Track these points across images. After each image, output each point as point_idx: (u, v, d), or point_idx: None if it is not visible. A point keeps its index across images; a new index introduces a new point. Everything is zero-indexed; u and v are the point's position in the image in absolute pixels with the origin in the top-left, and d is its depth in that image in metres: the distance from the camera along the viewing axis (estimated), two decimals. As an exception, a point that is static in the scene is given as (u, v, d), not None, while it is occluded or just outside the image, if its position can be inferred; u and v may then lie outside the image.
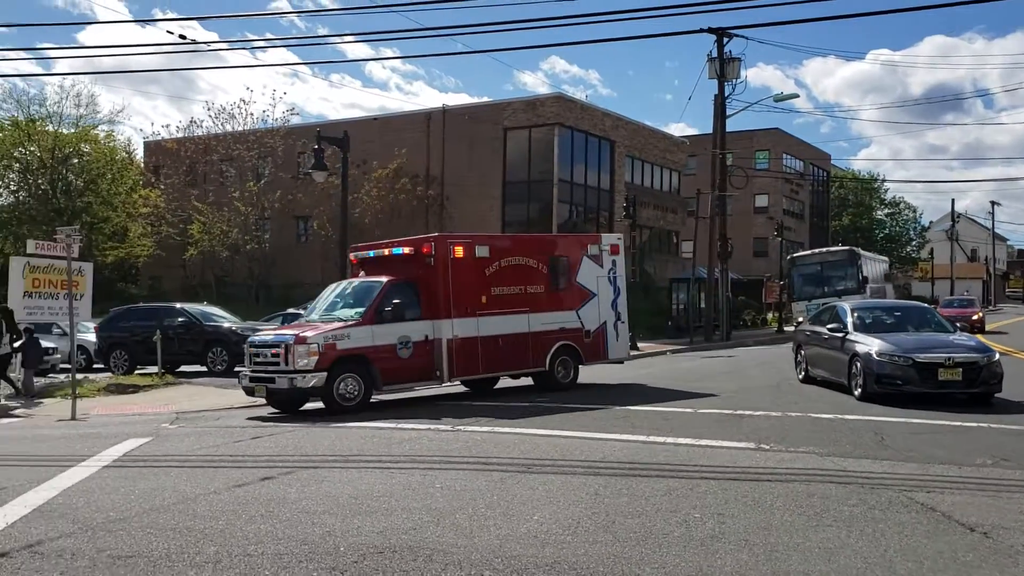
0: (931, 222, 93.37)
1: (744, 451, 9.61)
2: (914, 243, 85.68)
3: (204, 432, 12.77)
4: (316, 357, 14.02)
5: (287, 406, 14.99)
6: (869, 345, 14.15)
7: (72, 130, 54.08)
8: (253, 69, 78.03)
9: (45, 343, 23.33)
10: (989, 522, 6.49)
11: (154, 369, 21.71)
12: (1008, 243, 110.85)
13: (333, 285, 16.85)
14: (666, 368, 22.88)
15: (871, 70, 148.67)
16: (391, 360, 14.77)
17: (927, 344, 14.00)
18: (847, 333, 15.11)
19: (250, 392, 14.93)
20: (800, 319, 27.06)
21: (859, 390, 14.06)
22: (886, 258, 52.53)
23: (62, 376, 22.00)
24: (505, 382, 17.62)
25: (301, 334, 14.43)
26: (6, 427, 14.89)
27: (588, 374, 18.69)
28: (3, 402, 17.56)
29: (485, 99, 64.63)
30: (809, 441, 10.13)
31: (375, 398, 15.75)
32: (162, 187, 46.98)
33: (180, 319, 23.81)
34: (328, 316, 15.42)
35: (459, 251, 15.58)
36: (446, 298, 15.23)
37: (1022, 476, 8.26)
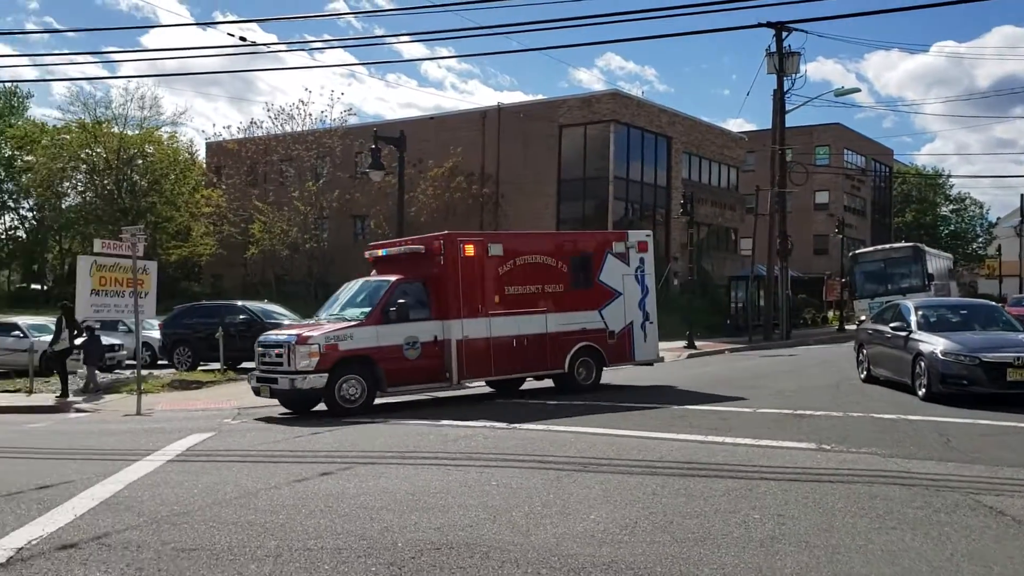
0: (999, 218, 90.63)
1: (804, 451, 9.46)
2: (980, 240, 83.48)
3: (265, 427, 12.99)
4: (317, 358, 13.75)
5: (297, 406, 14.70)
6: (934, 344, 13.82)
7: (136, 132, 55.43)
8: (311, 70, 79.22)
9: (111, 340, 23.98)
10: (1061, 527, 6.29)
11: (216, 365, 22.15)
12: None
13: (346, 284, 16.54)
14: (724, 367, 22.63)
15: (935, 63, 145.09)
16: (397, 361, 14.40)
17: (995, 343, 13.62)
18: (911, 332, 14.78)
19: (257, 392, 14.77)
20: (862, 317, 26.55)
21: (923, 390, 13.75)
22: (950, 255, 51.27)
23: (128, 372, 22.55)
24: (531, 383, 17.13)
25: (303, 334, 14.18)
26: (75, 422, 15.31)
27: (638, 375, 18.60)
28: (69, 398, 18.02)
29: (540, 97, 64.63)
30: (871, 442, 9.93)
31: (428, 395, 15.85)
32: (223, 187, 47.87)
33: (241, 316, 24.21)
34: (336, 316, 15.16)
35: (470, 250, 15.20)
36: (456, 298, 14.87)
37: (1096, 480, 7.99)
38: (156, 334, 25.56)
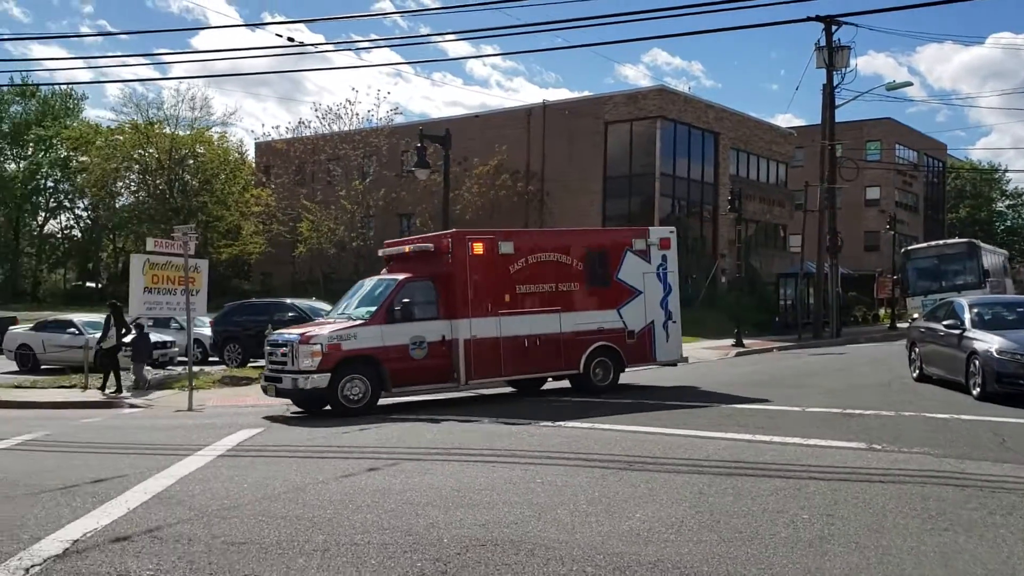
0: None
1: (854, 451, 9.32)
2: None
3: (313, 423, 13.13)
4: (319, 358, 13.69)
5: (308, 405, 14.64)
6: (989, 343, 13.53)
7: (188, 132, 56.44)
8: (358, 70, 79.76)
9: (164, 337, 24.41)
10: (1122, 530, 6.12)
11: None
12: None
13: (360, 282, 16.48)
14: (772, 365, 22.38)
15: (991, 55, 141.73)
16: (403, 361, 14.25)
17: (1053, 341, 13.28)
18: (965, 330, 14.48)
19: (265, 391, 14.82)
20: (915, 315, 26.06)
21: (977, 389, 13.46)
22: (1005, 251, 50.10)
23: (179, 369, 22.92)
24: (552, 383, 16.84)
25: (307, 333, 14.14)
26: (128, 417, 15.62)
27: (680, 374, 18.45)
28: (124, 394, 18.37)
29: (586, 93, 64.30)
30: (924, 441, 9.75)
31: (470, 392, 15.88)
32: (272, 186, 48.49)
33: (290, 314, 24.45)
34: (344, 314, 15.11)
35: (479, 248, 14.96)
36: (464, 297, 14.66)
37: None
38: (207, 331, 25.95)
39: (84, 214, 68.85)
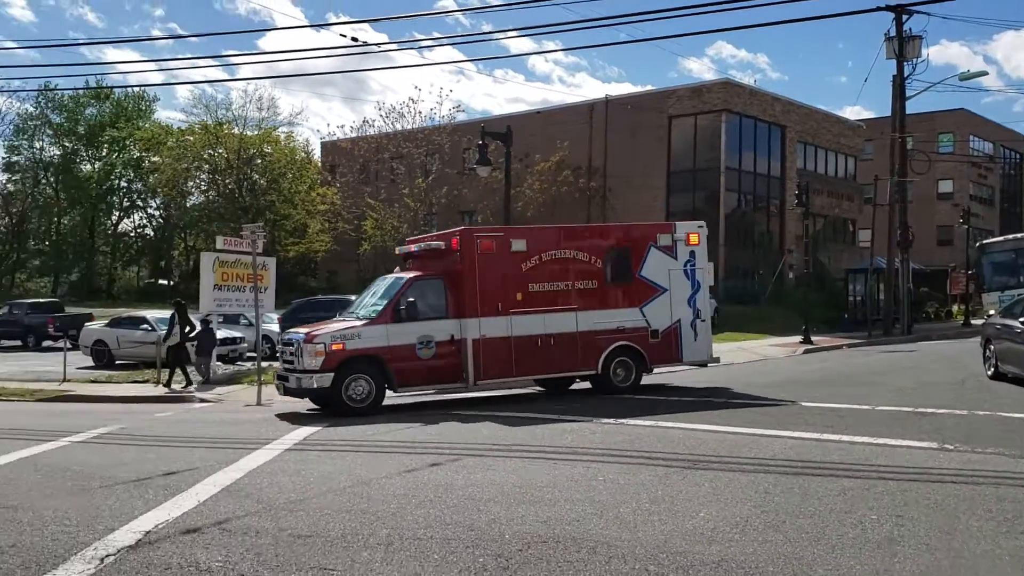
0: None
1: (925, 451, 9.09)
2: (1122, 229, 78.56)
3: (373, 419, 13.26)
4: (322, 357, 13.60)
5: (321, 402, 14.59)
6: (1069, 340, 13.08)
7: (255, 132, 57.47)
8: (421, 68, 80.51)
9: (233, 333, 24.92)
10: None
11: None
12: None
13: (377, 279, 16.38)
14: (841, 362, 21.96)
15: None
16: (409, 360, 14.06)
17: None
18: (1043, 327, 14.03)
19: (277, 389, 14.87)
20: (991, 311, 25.30)
21: (1057, 388, 13.03)
22: (1085, 246, 48.28)
23: (249, 364, 23.39)
24: (579, 383, 16.53)
25: (311, 333, 14.06)
26: (199, 411, 15.98)
27: (745, 372, 18.17)
28: (191, 390, 18.80)
29: (649, 87, 63.88)
30: (999, 442, 9.46)
31: (529, 389, 15.87)
32: (338, 185, 49.18)
33: (354, 311, 24.76)
34: (354, 313, 15.03)
35: (487, 246, 14.70)
36: (473, 295, 14.40)
37: None
38: (276, 327, 26.38)
39: (156, 213, 70.74)
